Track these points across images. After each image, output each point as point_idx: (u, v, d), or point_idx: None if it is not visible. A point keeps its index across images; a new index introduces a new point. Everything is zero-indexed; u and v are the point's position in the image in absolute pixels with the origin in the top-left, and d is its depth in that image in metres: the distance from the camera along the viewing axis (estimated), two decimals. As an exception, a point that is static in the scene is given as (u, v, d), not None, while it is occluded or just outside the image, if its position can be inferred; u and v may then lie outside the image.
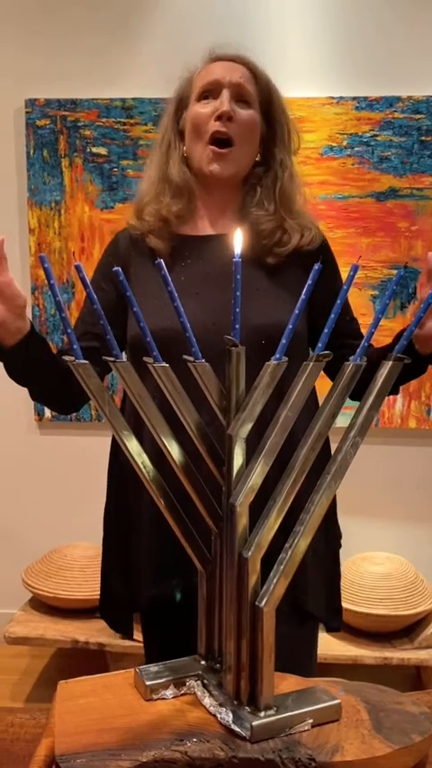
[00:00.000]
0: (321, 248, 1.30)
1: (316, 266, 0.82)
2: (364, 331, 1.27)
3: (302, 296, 0.82)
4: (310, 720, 0.79)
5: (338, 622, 1.34)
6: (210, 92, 1.27)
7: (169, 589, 1.22)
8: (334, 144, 2.56)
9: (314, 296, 1.17)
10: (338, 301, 0.84)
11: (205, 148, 1.26)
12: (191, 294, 1.19)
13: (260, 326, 1.15)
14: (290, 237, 1.27)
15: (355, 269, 0.83)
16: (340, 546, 1.36)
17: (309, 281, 0.82)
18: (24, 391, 1.22)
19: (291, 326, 0.81)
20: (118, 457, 1.31)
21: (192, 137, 1.28)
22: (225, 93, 1.25)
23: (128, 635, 1.35)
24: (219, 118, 1.24)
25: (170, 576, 1.21)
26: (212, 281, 1.23)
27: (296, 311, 0.81)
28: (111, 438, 1.29)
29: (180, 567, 1.15)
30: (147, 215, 1.30)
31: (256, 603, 0.80)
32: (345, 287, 0.84)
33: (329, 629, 1.33)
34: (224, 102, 1.25)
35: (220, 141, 1.25)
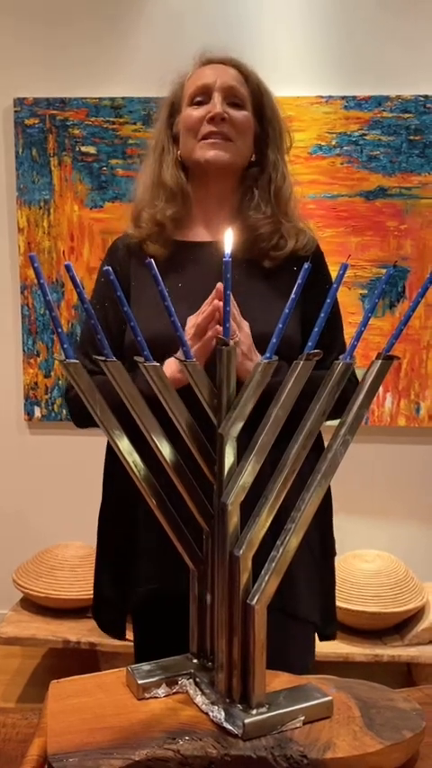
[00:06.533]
0: (315, 256, 1.30)
1: (306, 266, 0.83)
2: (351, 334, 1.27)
3: (293, 295, 0.82)
4: (302, 717, 0.79)
5: (332, 630, 1.34)
6: (201, 95, 1.28)
7: (164, 588, 1.22)
8: (323, 143, 2.56)
9: (307, 306, 1.18)
10: (328, 300, 0.84)
11: (200, 142, 1.27)
12: (189, 300, 1.19)
13: (259, 336, 1.16)
14: (286, 242, 1.28)
15: (344, 268, 0.84)
16: (334, 559, 1.36)
17: (299, 281, 0.82)
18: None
19: (281, 325, 0.81)
20: (113, 459, 1.31)
21: (185, 138, 1.30)
22: (217, 96, 1.27)
23: (120, 637, 1.35)
24: (211, 120, 1.26)
25: (164, 575, 1.21)
26: (210, 287, 1.23)
27: (286, 310, 0.82)
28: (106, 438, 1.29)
29: (174, 567, 1.16)
30: (143, 221, 1.31)
31: (248, 601, 0.80)
32: (334, 285, 0.85)
33: (323, 638, 1.34)
34: (216, 104, 1.26)
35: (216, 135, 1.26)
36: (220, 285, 1.12)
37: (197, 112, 1.28)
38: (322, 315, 0.83)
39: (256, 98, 1.31)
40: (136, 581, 1.26)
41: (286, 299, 0.82)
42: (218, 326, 1.11)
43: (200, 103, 1.28)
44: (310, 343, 0.82)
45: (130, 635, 1.36)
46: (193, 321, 1.13)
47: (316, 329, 0.82)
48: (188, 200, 1.32)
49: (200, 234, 1.32)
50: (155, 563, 1.23)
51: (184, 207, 1.31)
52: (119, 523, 1.31)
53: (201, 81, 1.29)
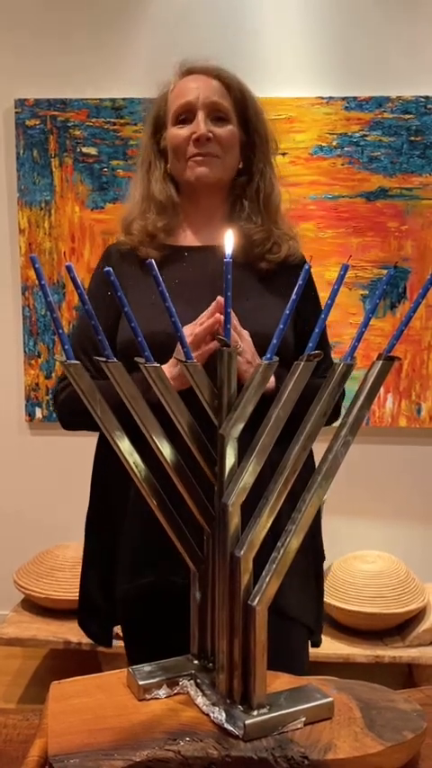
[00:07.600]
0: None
1: (306, 266, 0.83)
2: (352, 334, 1.28)
3: (293, 296, 0.82)
4: (303, 719, 0.79)
5: (320, 636, 1.36)
6: (185, 113, 1.28)
7: (158, 583, 1.22)
8: (324, 144, 2.56)
9: (299, 313, 1.19)
10: (329, 301, 0.84)
11: (188, 161, 1.28)
12: (183, 299, 1.19)
13: (256, 335, 1.17)
14: (279, 248, 1.30)
15: (345, 268, 0.84)
16: (323, 566, 1.37)
17: (299, 281, 0.82)
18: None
19: (282, 326, 0.81)
20: (103, 463, 1.32)
21: (173, 158, 1.31)
22: (200, 115, 1.27)
23: (107, 644, 1.35)
24: (197, 140, 1.26)
25: (160, 567, 1.20)
26: (204, 288, 1.23)
27: (287, 311, 0.82)
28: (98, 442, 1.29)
29: (161, 568, 1.16)
30: (134, 230, 1.32)
31: (249, 602, 0.80)
32: (335, 286, 0.85)
33: (312, 644, 1.35)
34: (200, 125, 1.26)
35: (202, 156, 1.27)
36: (220, 299, 1.11)
37: (183, 132, 1.28)
38: (323, 316, 0.83)
39: (239, 106, 1.31)
40: (130, 577, 1.26)
41: (280, 301, 0.82)
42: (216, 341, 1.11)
43: (184, 121, 1.28)
44: (310, 344, 0.82)
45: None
46: (190, 330, 1.13)
47: (316, 330, 0.82)
48: (178, 211, 1.33)
49: (191, 240, 1.34)
50: (149, 555, 1.23)
51: (175, 218, 1.33)
52: (102, 533, 1.31)
53: (183, 98, 1.28)
